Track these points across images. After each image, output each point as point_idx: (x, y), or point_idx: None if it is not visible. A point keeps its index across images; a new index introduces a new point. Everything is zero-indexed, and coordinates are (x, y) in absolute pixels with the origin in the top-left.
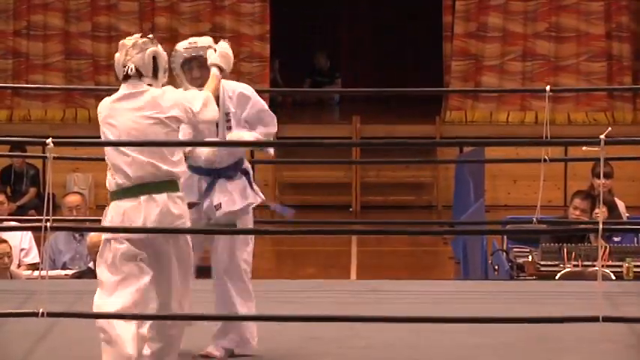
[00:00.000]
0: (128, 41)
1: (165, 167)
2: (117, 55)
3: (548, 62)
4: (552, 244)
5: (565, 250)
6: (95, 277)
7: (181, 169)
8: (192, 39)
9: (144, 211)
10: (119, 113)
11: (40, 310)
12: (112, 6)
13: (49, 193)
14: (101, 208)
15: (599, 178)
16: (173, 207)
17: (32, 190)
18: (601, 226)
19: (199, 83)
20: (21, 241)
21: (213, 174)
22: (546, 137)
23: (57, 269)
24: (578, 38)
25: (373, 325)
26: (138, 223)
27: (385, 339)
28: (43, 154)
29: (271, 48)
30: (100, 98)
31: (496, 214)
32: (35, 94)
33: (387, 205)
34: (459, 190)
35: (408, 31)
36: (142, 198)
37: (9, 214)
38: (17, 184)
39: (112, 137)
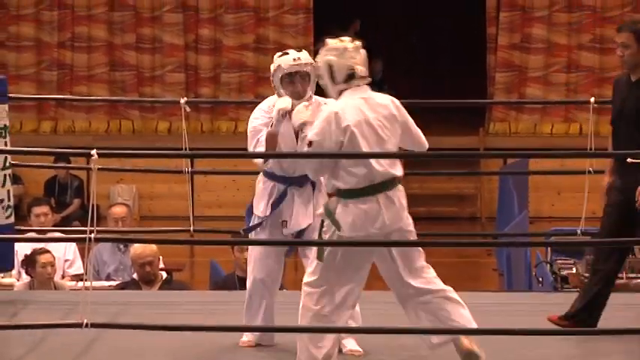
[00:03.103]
0: (349, 44)
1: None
2: (332, 58)
3: (593, 73)
4: None
5: None
6: (139, 288)
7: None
8: (295, 53)
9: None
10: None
11: (84, 321)
12: (156, 18)
13: (93, 205)
14: (145, 219)
15: None
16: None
17: (76, 202)
18: None
19: (297, 96)
20: (65, 252)
21: (286, 182)
22: (591, 149)
23: (101, 280)
24: None
25: (417, 336)
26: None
27: (430, 350)
28: (87, 166)
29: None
30: (143, 109)
31: (540, 225)
32: (79, 106)
33: (430, 216)
34: (502, 202)
35: (451, 42)
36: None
37: (53, 225)
38: (61, 195)
39: (364, 144)
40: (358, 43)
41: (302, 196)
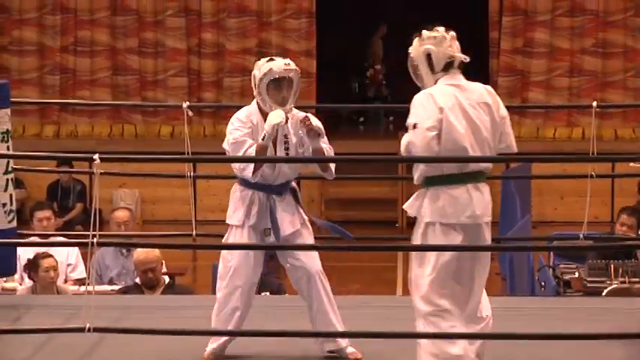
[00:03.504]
0: (445, 33)
1: None
2: (430, 47)
3: (595, 78)
4: (599, 261)
5: (612, 266)
6: (141, 292)
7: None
8: (282, 59)
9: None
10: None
11: (87, 326)
12: (159, 22)
13: (95, 209)
14: (147, 223)
15: None
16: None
17: (79, 206)
18: None
19: (283, 103)
20: (68, 256)
21: (266, 190)
22: (593, 153)
23: (103, 284)
24: (625, 54)
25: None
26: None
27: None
28: (89, 170)
29: (318, 63)
30: (146, 114)
31: (543, 230)
32: (82, 110)
33: None
34: (505, 206)
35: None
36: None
37: (56, 230)
38: (64, 199)
39: (459, 127)
40: (453, 33)
41: (283, 204)
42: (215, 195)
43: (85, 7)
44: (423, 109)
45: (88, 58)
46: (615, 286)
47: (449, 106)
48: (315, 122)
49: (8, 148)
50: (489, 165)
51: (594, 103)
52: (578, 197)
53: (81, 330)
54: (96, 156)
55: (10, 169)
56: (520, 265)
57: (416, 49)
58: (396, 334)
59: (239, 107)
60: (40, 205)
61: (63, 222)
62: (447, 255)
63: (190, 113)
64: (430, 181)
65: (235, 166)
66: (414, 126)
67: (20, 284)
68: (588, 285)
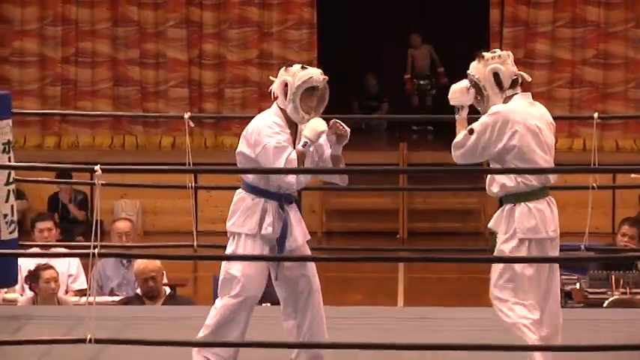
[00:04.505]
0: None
1: None
2: (498, 65)
3: (596, 89)
4: (600, 272)
5: (613, 277)
6: (142, 303)
7: None
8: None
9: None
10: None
11: (88, 337)
12: (160, 33)
13: (97, 220)
14: (148, 234)
15: None
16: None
17: (80, 213)
18: None
19: (310, 111)
20: (69, 267)
21: (280, 198)
22: (594, 164)
23: (104, 295)
24: (626, 65)
25: (420, 352)
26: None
27: None
28: (91, 181)
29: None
30: (147, 125)
31: None
32: (83, 121)
33: (434, 231)
34: None
35: (455, 57)
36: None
37: (57, 241)
38: (65, 210)
39: (534, 144)
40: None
41: (292, 213)
42: (216, 206)
43: (86, 19)
44: (491, 123)
45: (89, 69)
46: (616, 297)
47: (524, 122)
48: (346, 128)
49: (9, 159)
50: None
51: (595, 115)
52: (580, 208)
53: (82, 341)
54: (97, 167)
55: (11, 180)
56: None
57: (479, 70)
58: (397, 345)
59: (240, 118)
60: (41, 216)
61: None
62: (530, 269)
63: (191, 124)
64: (517, 198)
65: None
66: (471, 131)
67: (21, 295)
68: (589, 296)
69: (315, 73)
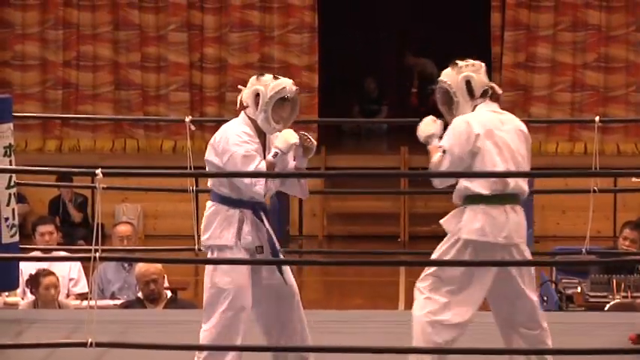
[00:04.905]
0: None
1: None
2: (471, 73)
3: (598, 93)
4: (601, 275)
5: (614, 281)
6: (144, 306)
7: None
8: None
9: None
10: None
11: (89, 340)
12: (161, 37)
13: (98, 223)
14: (150, 238)
15: None
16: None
17: (79, 215)
18: None
19: (279, 121)
20: (70, 270)
21: (254, 207)
22: (595, 168)
23: (106, 299)
24: (627, 69)
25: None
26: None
27: None
28: (92, 185)
29: (319, 77)
30: (148, 128)
31: (545, 244)
32: (84, 125)
33: (435, 235)
34: None
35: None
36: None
37: (58, 244)
38: (66, 214)
39: (495, 152)
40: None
41: (268, 221)
42: None
43: (87, 22)
44: (455, 137)
45: (90, 73)
46: (618, 300)
47: (486, 131)
48: (313, 141)
49: (11, 163)
50: (526, 188)
51: (597, 118)
52: (581, 212)
53: (83, 345)
54: (98, 171)
55: (12, 183)
56: None
57: (452, 77)
58: (398, 349)
59: None
60: (42, 220)
61: (65, 236)
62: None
63: (193, 128)
64: (470, 200)
65: (245, 181)
66: (444, 151)
67: (22, 299)
68: (590, 300)
69: (288, 84)
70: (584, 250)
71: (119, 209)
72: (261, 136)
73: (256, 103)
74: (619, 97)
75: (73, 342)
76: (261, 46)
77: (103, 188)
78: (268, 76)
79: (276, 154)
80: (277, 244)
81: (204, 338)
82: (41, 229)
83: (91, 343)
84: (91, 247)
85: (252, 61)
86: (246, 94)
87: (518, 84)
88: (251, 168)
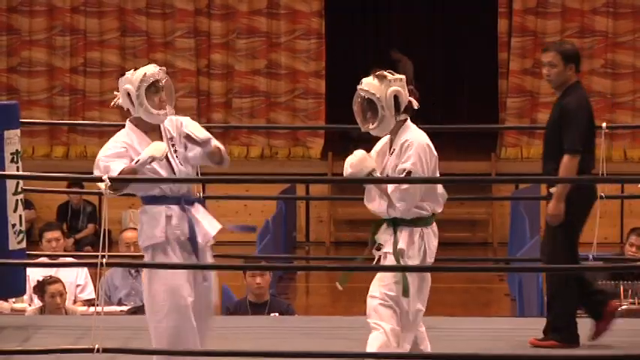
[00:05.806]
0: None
1: None
2: (398, 88)
3: (605, 99)
4: (608, 282)
5: (621, 287)
6: None
7: None
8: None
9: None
10: None
11: (96, 346)
12: (169, 43)
13: (104, 230)
14: None
15: None
16: None
17: (90, 227)
18: None
19: (162, 106)
20: (77, 277)
21: (179, 201)
22: (602, 174)
23: (112, 305)
24: (634, 75)
25: None
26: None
27: None
28: (99, 191)
29: (326, 83)
30: None
31: None
32: (92, 131)
33: (442, 241)
34: (514, 227)
35: (463, 67)
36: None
37: (65, 250)
38: (74, 220)
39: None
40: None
41: (195, 210)
42: (224, 216)
43: (94, 29)
44: (420, 158)
45: (97, 79)
46: (625, 307)
47: (431, 145)
48: (198, 134)
49: (18, 169)
50: None
51: (604, 124)
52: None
53: (90, 351)
54: (105, 177)
55: (19, 189)
56: (529, 286)
57: (381, 89)
58: (405, 354)
59: (248, 128)
60: (49, 226)
61: (74, 240)
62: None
63: None
64: (427, 221)
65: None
66: (409, 173)
67: (29, 305)
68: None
69: (149, 69)
70: (591, 256)
71: (126, 216)
72: (155, 130)
73: (132, 102)
74: (626, 104)
75: (79, 348)
76: (268, 52)
77: (110, 194)
78: (128, 72)
79: (137, 162)
80: (201, 238)
81: (156, 344)
82: (48, 235)
83: (98, 349)
84: (97, 254)
85: (259, 68)
86: (121, 101)
87: (525, 90)
88: (102, 166)
